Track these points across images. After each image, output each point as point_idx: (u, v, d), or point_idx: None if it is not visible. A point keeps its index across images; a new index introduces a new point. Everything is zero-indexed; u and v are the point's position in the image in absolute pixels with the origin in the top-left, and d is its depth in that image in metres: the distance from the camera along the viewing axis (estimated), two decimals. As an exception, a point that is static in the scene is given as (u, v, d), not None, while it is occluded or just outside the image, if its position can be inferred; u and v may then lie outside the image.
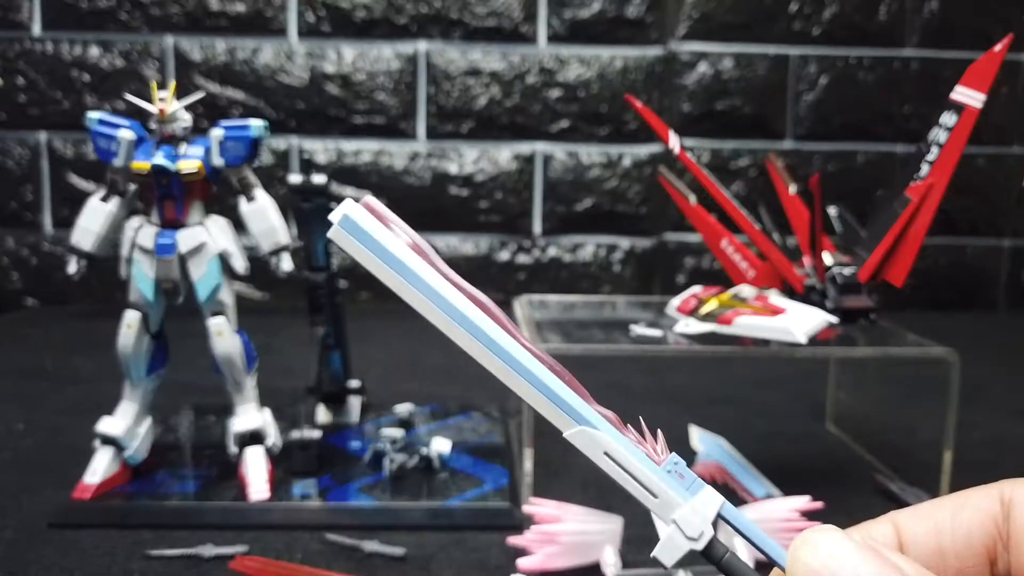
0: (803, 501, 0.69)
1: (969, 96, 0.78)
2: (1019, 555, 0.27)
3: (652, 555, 0.29)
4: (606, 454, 0.29)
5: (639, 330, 0.85)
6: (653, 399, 1.14)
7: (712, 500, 0.29)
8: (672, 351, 0.86)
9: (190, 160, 0.76)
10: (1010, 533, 0.27)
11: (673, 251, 1.74)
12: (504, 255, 1.73)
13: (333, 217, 0.28)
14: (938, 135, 0.80)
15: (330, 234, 0.29)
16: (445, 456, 0.85)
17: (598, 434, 0.29)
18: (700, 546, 0.28)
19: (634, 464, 0.29)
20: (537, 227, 1.73)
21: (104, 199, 0.78)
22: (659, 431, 0.30)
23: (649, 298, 1.03)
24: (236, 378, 0.80)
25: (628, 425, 0.30)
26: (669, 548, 0.29)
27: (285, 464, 0.83)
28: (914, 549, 0.28)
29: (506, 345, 0.29)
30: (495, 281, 1.73)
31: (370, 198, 0.29)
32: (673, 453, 0.30)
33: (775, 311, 0.81)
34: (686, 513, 0.29)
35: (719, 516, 0.29)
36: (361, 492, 0.79)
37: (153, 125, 0.77)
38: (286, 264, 0.80)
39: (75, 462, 0.84)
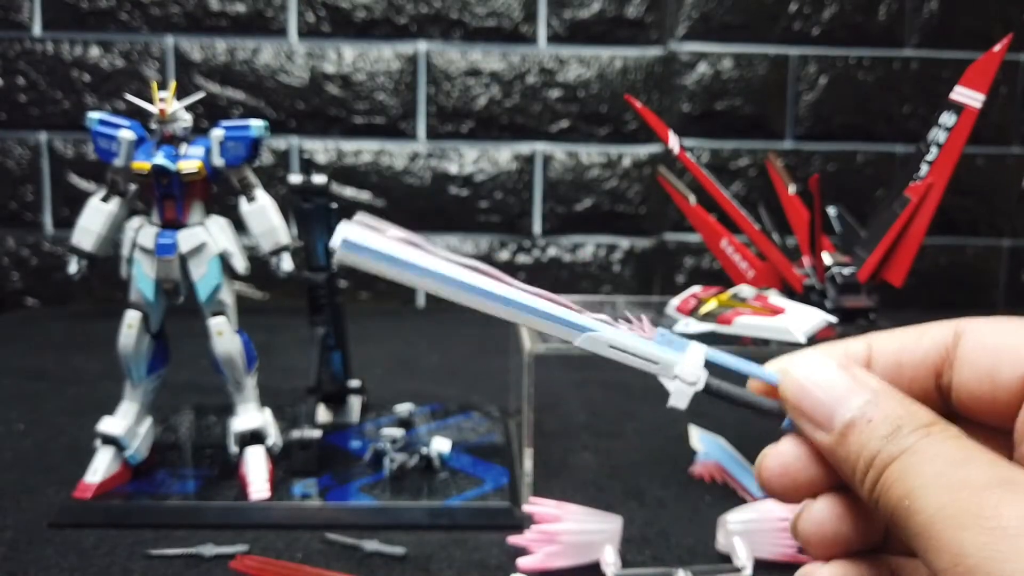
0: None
1: (968, 96, 0.78)
2: (960, 373, 0.34)
3: (668, 405, 0.36)
4: (611, 347, 0.35)
5: (639, 330, 0.85)
6: (653, 399, 1.14)
7: (699, 351, 0.36)
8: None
9: (190, 160, 0.76)
10: (956, 356, 0.34)
11: (673, 251, 1.74)
12: (504, 255, 1.73)
13: (333, 244, 0.34)
14: (937, 135, 0.80)
15: (337, 257, 0.34)
16: (445, 456, 0.85)
17: (599, 335, 0.35)
18: (700, 387, 0.36)
19: (633, 346, 0.35)
20: (537, 227, 1.73)
21: (104, 199, 0.78)
22: (642, 315, 0.36)
23: (649, 298, 1.04)
24: (236, 378, 0.80)
25: (619, 320, 0.36)
26: (679, 396, 0.36)
27: (285, 464, 0.83)
28: (879, 361, 0.35)
29: (507, 294, 0.35)
30: (495, 281, 1.73)
31: (359, 215, 0.35)
32: (658, 327, 0.36)
33: (774, 311, 0.81)
34: (683, 367, 0.36)
35: (707, 360, 0.36)
36: (361, 492, 0.79)
37: (153, 125, 0.77)
38: (286, 264, 0.80)
39: (75, 462, 0.84)
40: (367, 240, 0.33)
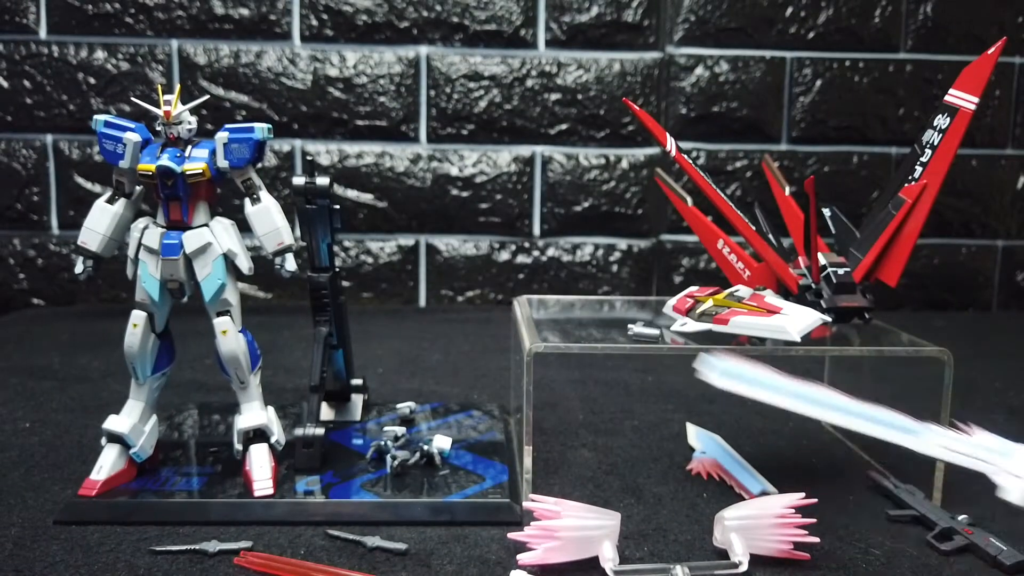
0: (798, 498, 0.71)
1: (963, 99, 0.79)
2: None
3: (1008, 499, 0.43)
4: (944, 447, 0.42)
5: (636, 329, 0.86)
6: (651, 397, 1.15)
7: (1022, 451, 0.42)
8: (669, 350, 0.87)
9: (195, 162, 0.77)
10: None
11: (670, 252, 1.75)
12: (504, 255, 1.74)
13: (704, 372, 0.40)
14: (932, 137, 0.82)
15: (714, 384, 0.40)
16: (446, 453, 0.86)
17: (931, 436, 0.42)
18: None
19: (962, 446, 0.42)
20: (536, 228, 1.74)
21: (110, 200, 0.80)
22: (969, 423, 0.43)
23: (646, 298, 1.05)
24: (241, 377, 0.81)
25: (946, 426, 0.42)
26: (1016, 491, 0.42)
27: (289, 461, 0.84)
28: None
29: (858, 408, 0.42)
30: (495, 281, 1.75)
31: (720, 352, 0.41)
32: (975, 427, 0.43)
33: (770, 310, 0.82)
34: (1017, 464, 0.41)
35: None
36: (363, 488, 0.80)
37: (158, 127, 0.78)
38: (290, 265, 0.81)
39: (80, 460, 0.85)
40: (740, 368, 0.38)
